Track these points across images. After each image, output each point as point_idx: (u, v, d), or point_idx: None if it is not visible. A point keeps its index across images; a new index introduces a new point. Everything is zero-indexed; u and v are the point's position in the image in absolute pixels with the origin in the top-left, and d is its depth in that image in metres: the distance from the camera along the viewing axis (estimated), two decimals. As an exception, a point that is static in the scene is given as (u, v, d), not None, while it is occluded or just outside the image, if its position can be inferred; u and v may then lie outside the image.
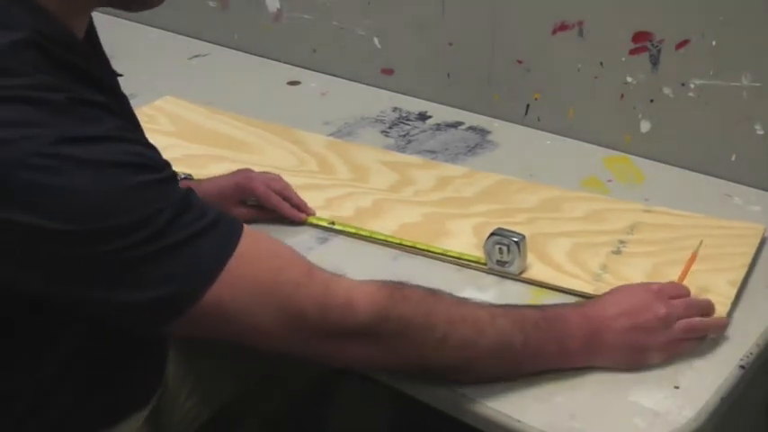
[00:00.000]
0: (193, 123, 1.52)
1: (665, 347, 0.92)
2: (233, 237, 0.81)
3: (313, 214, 1.21)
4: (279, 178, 1.23)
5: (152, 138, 1.51)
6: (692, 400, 0.88)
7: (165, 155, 1.41)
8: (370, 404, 1.32)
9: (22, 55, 0.75)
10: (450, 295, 0.90)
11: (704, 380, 0.91)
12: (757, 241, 1.10)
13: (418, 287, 0.88)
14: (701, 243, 1.07)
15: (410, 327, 0.84)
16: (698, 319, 0.94)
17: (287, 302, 0.81)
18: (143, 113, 1.54)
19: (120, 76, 0.98)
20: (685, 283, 1.00)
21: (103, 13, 1.74)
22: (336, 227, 1.19)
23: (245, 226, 0.83)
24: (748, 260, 1.06)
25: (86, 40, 0.91)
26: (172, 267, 0.78)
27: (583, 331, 0.90)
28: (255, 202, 1.20)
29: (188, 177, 1.23)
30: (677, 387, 0.90)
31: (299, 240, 1.18)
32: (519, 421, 0.87)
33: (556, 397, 0.89)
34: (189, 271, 0.78)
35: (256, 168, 1.27)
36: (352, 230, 1.18)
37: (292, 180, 1.27)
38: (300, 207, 1.22)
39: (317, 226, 1.20)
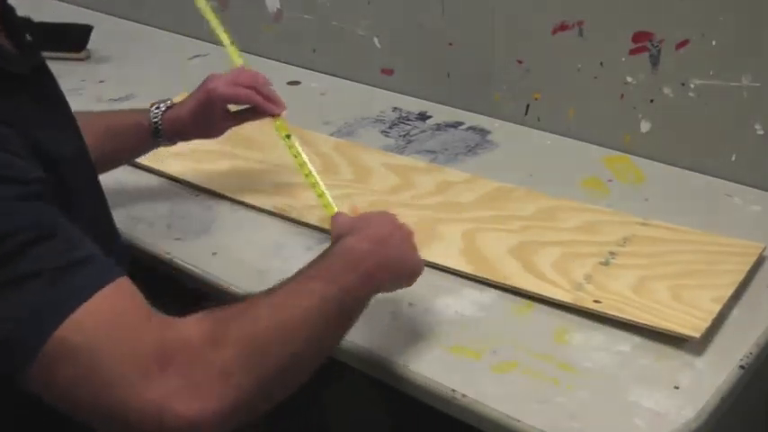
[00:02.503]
0: None
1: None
2: (92, 284, 0.73)
3: (285, 108, 1.19)
4: (244, 70, 1.21)
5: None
6: (692, 400, 0.88)
7: (175, 148, 1.41)
8: (370, 404, 1.32)
9: None
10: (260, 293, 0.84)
11: (704, 380, 0.91)
12: (752, 260, 1.07)
13: (238, 313, 0.80)
14: None
15: (246, 342, 0.77)
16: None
17: (126, 346, 0.73)
18: None
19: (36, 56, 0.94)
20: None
21: (103, 13, 1.74)
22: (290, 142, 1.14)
23: (123, 279, 0.76)
24: (739, 278, 1.04)
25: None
26: (6, 306, 0.70)
27: (375, 258, 0.89)
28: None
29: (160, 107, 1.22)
30: (677, 387, 0.90)
31: (298, 241, 1.18)
32: (519, 421, 0.87)
33: (556, 397, 0.89)
34: (24, 315, 0.70)
35: (261, 166, 1.27)
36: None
37: (295, 179, 1.27)
38: (273, 99, 1.19)
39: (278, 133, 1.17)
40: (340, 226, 0.97)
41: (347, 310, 0.86)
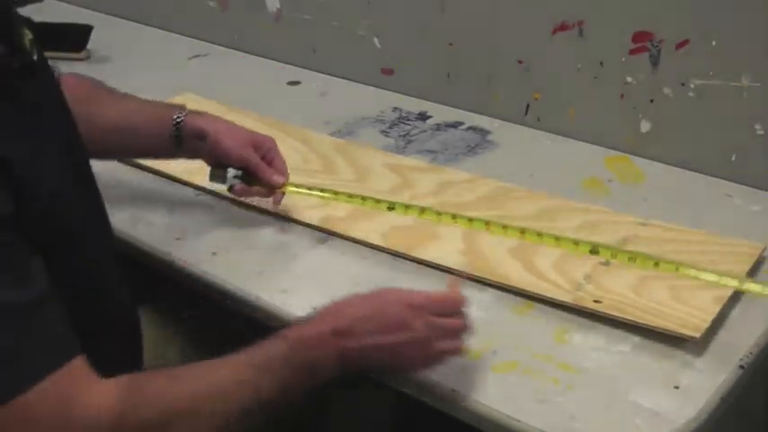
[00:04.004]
0: None
1: (422, 364, 0.90)
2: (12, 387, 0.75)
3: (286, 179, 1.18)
4: (260, 135, 1.19)
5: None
6: (692, 400, 0.88)
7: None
8: (371, 404, 1.32)
9: None
10: (194, 369, 0.85)
11: (704, 380, 0.91)
12: (752, 260, 1.07)
13: (158, 375, 0.84)
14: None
15: (152, 429, 0.80)
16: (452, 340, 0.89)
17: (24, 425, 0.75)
18: None
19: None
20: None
21: (103, 13, 1.74)
22: (316, 194, 1.18)
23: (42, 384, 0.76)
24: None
25: None
26: None
27: (334, 351, 0.86)
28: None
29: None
30: (677, 387, 0.90)
31: (299, 241, 1.18)
32: (519, 421, 0.87)
33: (556, 397, 0.89)
34: None
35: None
36: (331, 195, 1.18)
37: (295, 179, 1.27)
38: (279, 169, 1.18)
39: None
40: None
41: (274, 403, 0.86)
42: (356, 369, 0.88)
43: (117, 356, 0.98)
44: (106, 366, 0.96)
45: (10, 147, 0.80)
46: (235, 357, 0.85)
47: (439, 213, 1.14)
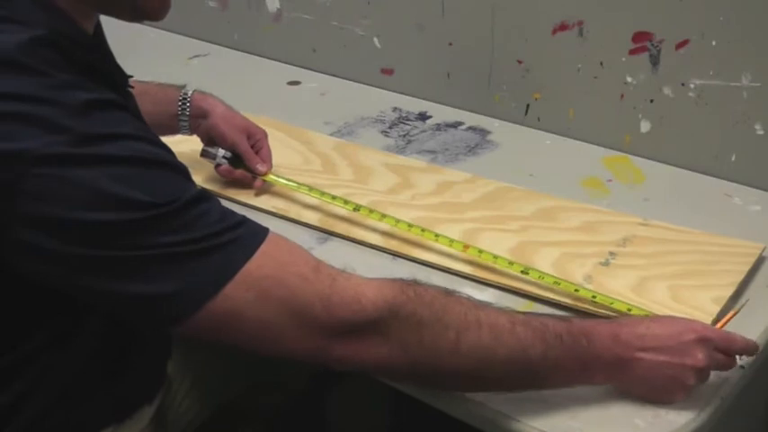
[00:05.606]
0: None
1: (688, 393, 0.87)
2: (252, 244, 0.80)
3: (270, 168, 1.26)
4: (254, 124, 1.28)
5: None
6: (692, 401, 0.88)
7: (175, 149, 1.42)
8: (370, 404, 1.32)
9: (42, 53, 0.74)
10: (469, 298, 0.86)
11: (704, 380, 0.91)
12: (752, 260, 1.07)
13: (433, 286, 0.86)
14: (745, 303, 0.99)
15: (421, 325, 0.81)
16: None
17: (292, 298, 0.79)
18: None
19: (131, 77, 0.97)
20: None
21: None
22: (293, 185, 1.24)
23: (276, 235, 0.83)
24: (739, 278, 1.04)
25: (95, 40, 0.90)
26: (180, 267, 0.76)
27: (609, 354, 0.85)
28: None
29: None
30: (677, 387, 0.90)
31: (298, 240, 1.18)
32: (519, 421, 0.87)
33: (556, 397, 0.89)
34: (199, 275, 0.77)
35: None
36: (306, 190, 1.23)
37: (295, 179, 1.27)
38: (263, 157, 1.26)
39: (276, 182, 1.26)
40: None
41: (535, 373, 0.85)
42: (622, 383, 0.87)
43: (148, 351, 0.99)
44: (139, 359, 0.96)
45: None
46: (512, 312, 0.87)
47: (410, 225, 1.15)
